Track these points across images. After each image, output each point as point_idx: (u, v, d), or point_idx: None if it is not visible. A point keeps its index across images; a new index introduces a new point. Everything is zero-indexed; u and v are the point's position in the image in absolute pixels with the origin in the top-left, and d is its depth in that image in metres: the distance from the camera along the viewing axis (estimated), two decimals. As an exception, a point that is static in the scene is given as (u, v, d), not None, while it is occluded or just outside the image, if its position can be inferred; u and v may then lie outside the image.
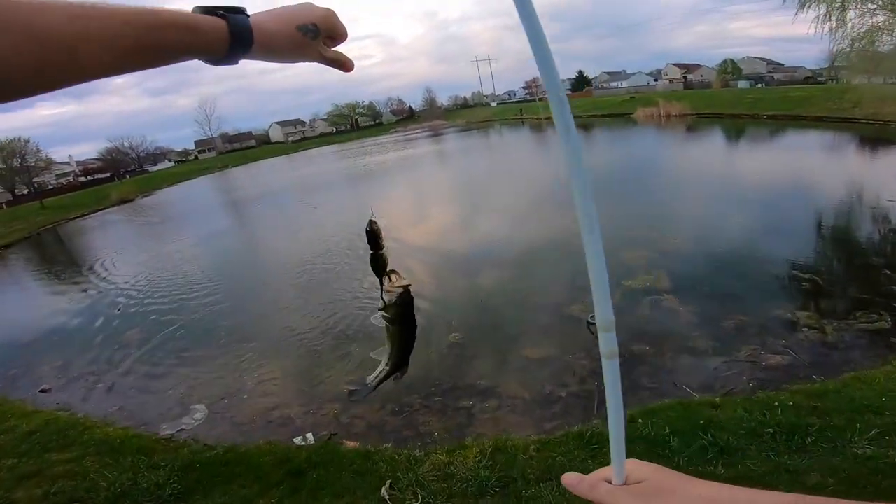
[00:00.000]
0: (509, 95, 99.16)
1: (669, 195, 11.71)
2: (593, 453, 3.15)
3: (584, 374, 4.68)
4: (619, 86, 69.66)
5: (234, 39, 0.50)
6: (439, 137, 48.26)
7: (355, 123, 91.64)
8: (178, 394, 5.46)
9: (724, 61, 60.87)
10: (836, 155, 16.03)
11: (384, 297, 0.77)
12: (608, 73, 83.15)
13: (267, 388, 5.26)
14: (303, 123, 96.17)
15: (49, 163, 46.79)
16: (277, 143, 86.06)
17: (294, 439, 4.03)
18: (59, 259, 17.90)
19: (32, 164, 43.97)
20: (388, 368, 0.84)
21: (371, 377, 0.86)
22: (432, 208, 14.86)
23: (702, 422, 3.23)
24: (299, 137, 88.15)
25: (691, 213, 9.98)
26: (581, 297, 6.09)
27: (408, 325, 0.80)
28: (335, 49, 0.61)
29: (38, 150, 44.26)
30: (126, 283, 11.11)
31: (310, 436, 4.12)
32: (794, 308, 5.45)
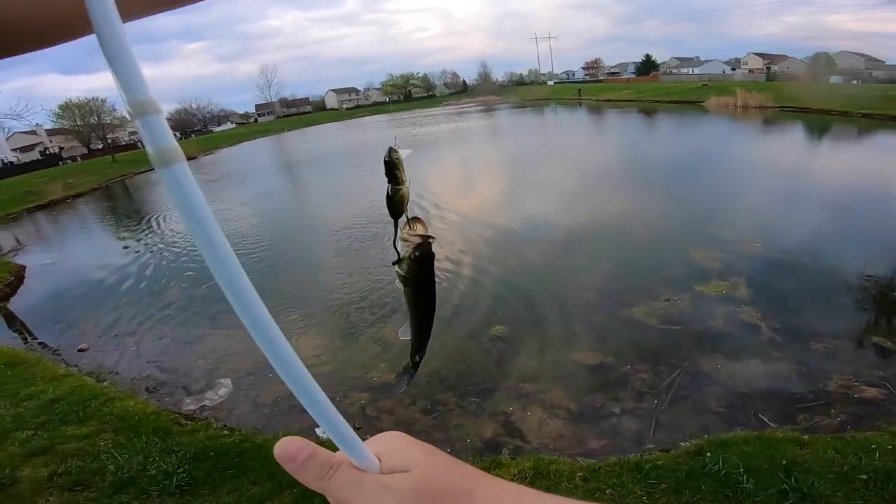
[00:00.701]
0: (568, 75, 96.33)
1: (750, 191, 10.34)
2: (650, 489, 2.67)
3: (643, 389, 4.09)
4: (690, 72, 66.05)
5: None
6: (492, 113, 48.05)
7: (408, 94, 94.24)
8: (207, 365, 5.32)
9: (817, 54, 55.96)
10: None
11: (397, 247, 0.61)
12: (679, 59, 79.34)
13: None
14: (357, 92, 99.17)
15: (123, 121, 50.40)
16: (332, 109, 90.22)
17: (316, 430, 3.72)
18: (123, 210, 19.00)
19: (107, 121, 47.56)
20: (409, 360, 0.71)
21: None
22: (480, 183, 14.33)
23: (784, 461, 2.77)
24: (353, 105, 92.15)
25: (777, 214, 8.66)
26: (644, 298, 5.45)
27: (425, 292, 0.64)
28: None
29: (113, 110, 47.55)
30: (175, 239, 11.37)
31: (332, 426, 3.80)
32: (894, 336, 4.62)
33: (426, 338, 0.69)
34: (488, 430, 3.75)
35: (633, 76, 73.75)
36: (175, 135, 0.26)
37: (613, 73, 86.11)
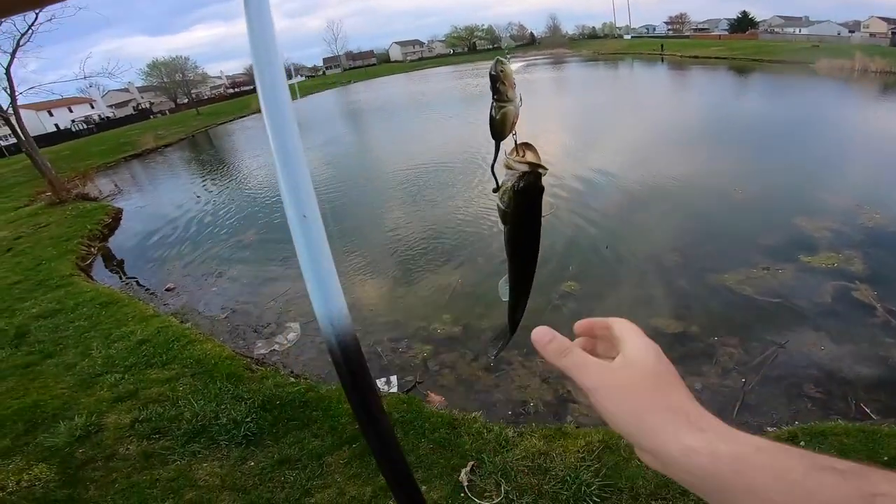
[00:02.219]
0: (647, 30, 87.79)
1: (869, 159, 8.80)
2: None
3: (729, 365, 3.71)
4: (797, 32, 58.20)
5: None
6: (560, 66, 45.38)
7: (473, 46, 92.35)
8: (277, 307, 5.51)
9: None
10: None
11: (495, 173, 0.53)
12: (783, 18, 69.96)
13: (359, 313, 5.01)
14: (421, 44, 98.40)
15: (204, 77, 55.39)
16: (396, 61, 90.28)
17: (377, 380, 3.75)
18: (206, 158, 20.46)
19: (191, 77, 52.86)
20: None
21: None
22: (547, 135, 13.58)
23: (886, 458, 2.50)
24: (417, 57, 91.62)
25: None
26: (739, 265, 4.90)
27: (527, 233, 0.54)
28: None
29: (196, 67, 52.89)
30: (252, 183, 12.00)
31: (394, 379, 3.82)
32: None
33: (526, 291, 0.61)
34: (553, 395, 3.56)
35: (725, 33, 66.22)
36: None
37: (701, 30, 77.20)
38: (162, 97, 58.38)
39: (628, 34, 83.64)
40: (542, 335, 0.43)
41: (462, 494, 2.49)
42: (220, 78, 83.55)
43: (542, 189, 0.52)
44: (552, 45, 78.04)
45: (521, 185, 0.51)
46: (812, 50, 32.98)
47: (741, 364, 3.68)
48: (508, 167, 0.51)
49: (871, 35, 52.32)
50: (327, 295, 0.41)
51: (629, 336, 0.42)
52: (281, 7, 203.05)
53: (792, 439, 2.67)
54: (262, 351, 4.56)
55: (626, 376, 0.39)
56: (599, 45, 67.64)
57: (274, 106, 0.38)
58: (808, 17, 68.61)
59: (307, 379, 3.81)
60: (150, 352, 4.25)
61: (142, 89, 63.12)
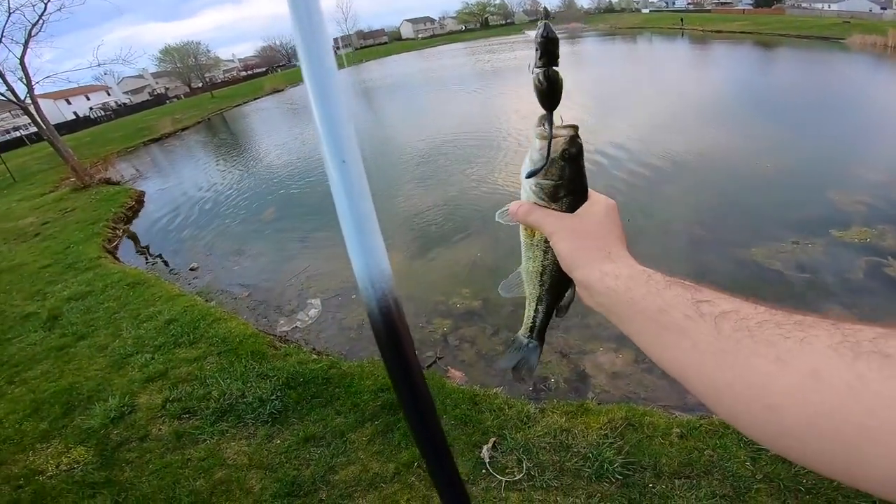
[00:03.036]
0: (666, 3, 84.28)
1: None
2: (756, 455, 2.37)
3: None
4: (827, 7, 55.05)
5: None
6: (576, 40, 44.24)
7: (485, 22, 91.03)
8: (299, 284, 5.58)
9: None
10: None
11: (533, 154, 0.50)
12: None
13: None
14: (432, 21, 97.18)
15: (217, 60, 55.93)
16: (408, 39, 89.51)
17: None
18: (223, 139, 20.75)
19: (203, 62, 53.35)
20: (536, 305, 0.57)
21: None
22: (569, 110, 13.44)
23: None
24: (428, 35, 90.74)
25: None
26: (767, 239, 4.79)
27: (575, 199, 0.50)
28: None
29: (208, 51, 53.41)
30: (272, 164, 12.17)
31: (412, 355, 3.83)
32: None
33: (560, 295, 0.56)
34: (574, 370, 3.55)
35: (749, 8, 63.13)
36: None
37: (725, 3, 73.85)
38: (176, 82, 58.89)
39: (646, 8, 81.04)
40: (513, 205, 0.53)
41: (484, 471, 2.50)
42: (232, 61, 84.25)
43: (581, 151, 0.50)
44: (567, 19, 76.68)
45: (572, 150, 0.49)
46: (843, 26, 31.39)
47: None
48: (544, 138, 0.48)
49: (905, 11, 49.53)
50: (368, 252, 0.37)
51: (594, 196, 0.51)
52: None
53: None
54: (285, 328, 4.63)
55: (576, 223, 0.49)
56: (616, 19, 65.75)
57: (310, 38, 0.34)
58: (840, -10, 65.24)
59: (329, 356, 3.85)
60: (178, 331, 4.34)
61: (156, 75, 63.68)
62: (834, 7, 55.67)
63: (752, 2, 66.96)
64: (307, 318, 4.74)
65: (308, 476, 2.64)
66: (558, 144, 0.48)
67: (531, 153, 0.50)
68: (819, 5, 58.75)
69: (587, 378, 3.48)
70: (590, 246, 0.47)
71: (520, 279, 0.57)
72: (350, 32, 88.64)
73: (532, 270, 0.55)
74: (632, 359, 3.59)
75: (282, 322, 4.79)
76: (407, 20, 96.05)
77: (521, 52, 33.27)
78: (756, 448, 2.40)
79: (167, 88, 62.14)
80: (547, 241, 0.52)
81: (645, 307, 0.40)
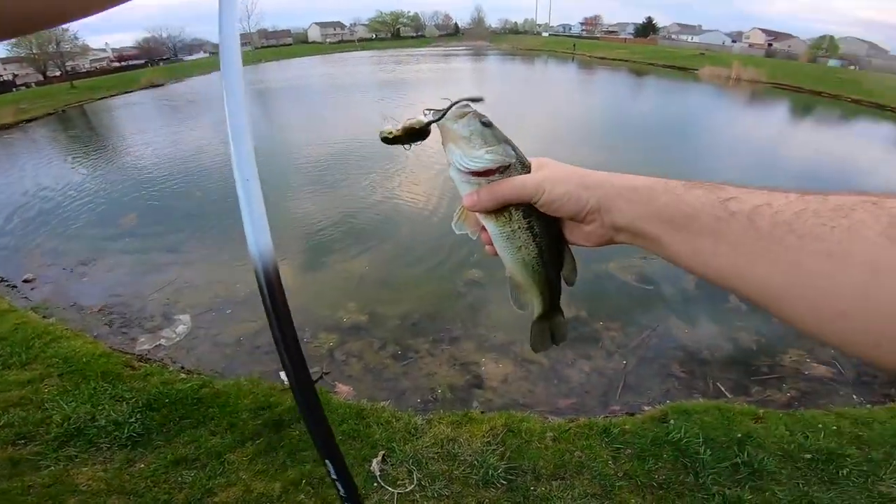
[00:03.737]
0: (564, 28, 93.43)
1: (719, 160, 10.45)
2: (616, 453, 2.68)
3: (612, 348, 4.10)
4: (690, 39, 65.26)
5: None
6: (480, 58, 46.83)
7: (396, 33, 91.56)
8: (164, 297, 5.04)
9: (822, 36, 55.40)
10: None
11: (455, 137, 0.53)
12: (680, 25, 78.50)
13: (257, 303, 4.75)
14: (342, 26, 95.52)
15: (85, 49, 48.87)
16: (315, 42, 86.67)
17: (280, 373, 3.60)
18: (79, 134, 17.88)
19: (68, 49, 45.92)
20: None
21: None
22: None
23: (739, 435, 2.80)
24: (337, 40, 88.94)
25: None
26: (620, 254, 5.30)
27: (520, 154, 0.54)
28: None
29: (76, 38, 46.13)
30: (137, 164, 10.81)
31: (297, 373, 3.69)
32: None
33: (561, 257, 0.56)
34: (459, 380, 3.70)
35: (631, 37, 72.25)
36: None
37: (611, 32, 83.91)
38: (28, 69, 50.15)
39: (546, 32, 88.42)
40: (466, 199, 0.52)
41: (375, 484, 2.49)
42: (104, 50, 74.18)
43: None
44: (475, 37, 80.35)
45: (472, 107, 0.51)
46: (699, 58, 37.09)
47: (622, 347, 4.05)
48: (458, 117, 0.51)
49: (750, 45, 60.27)
50: (258, 232, 0.57)
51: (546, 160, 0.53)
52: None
53: (663, 418, 2.94)
54: (146, 346, 4.15)
55: (546, 169, 0.50)
56: (518, 41, 70.51)
57: (232, 87, 0.54)
58: (702, 25, 77.24)
59: (200, 374, 3.56)
60: (7, 351, 3.71)
61: (4, 60, 53.78)
62: (696, 39, 65.88)
63: (633, 31, 76.52)
64: (174, 335, 4.30)
65: (182, 500, 2.42)
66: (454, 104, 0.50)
67: (453, 145, 0.50)
68: (685, 37, 69.07)
69: (471, 388, 3.64)
70: (581, 173, 0.46)
71: (520, 289, 0.54)
72: (251, 31, 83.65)
73: (528, 258, 0.52)
74: (510, 369, 3.85)
75: (142, 339, 4.29)
76: (316, 23, 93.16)
77: (427, 66, 34.43)
78: (615, 447, 2.70)
79: (15, 75, 52.71)
80: (527, 217, 0.50)
81: (671, 216, 0.38)
